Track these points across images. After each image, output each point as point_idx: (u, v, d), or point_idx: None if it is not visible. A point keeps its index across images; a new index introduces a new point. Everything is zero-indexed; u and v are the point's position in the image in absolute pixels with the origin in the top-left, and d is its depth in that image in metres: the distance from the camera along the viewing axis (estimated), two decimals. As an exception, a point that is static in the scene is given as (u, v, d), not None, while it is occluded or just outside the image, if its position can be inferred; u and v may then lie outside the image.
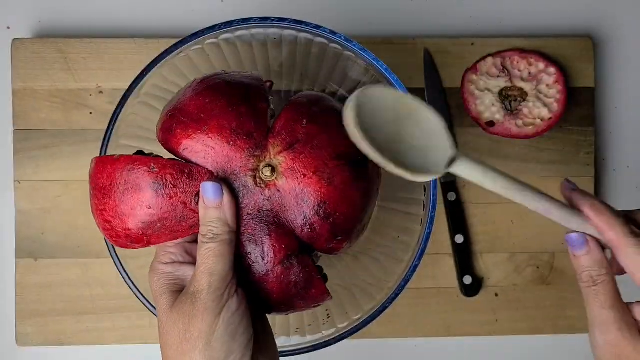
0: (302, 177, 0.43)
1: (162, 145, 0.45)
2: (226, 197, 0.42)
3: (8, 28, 0.67)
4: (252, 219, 0.43)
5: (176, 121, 0.44)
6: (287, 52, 0.55)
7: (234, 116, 0.43)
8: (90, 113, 0.65)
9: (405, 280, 0.50)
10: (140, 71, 0.49)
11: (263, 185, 0.43)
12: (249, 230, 0.43)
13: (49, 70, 0.65)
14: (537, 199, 0.42)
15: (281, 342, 0.52)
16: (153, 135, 0.53)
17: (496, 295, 0.68)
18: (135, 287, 0.50)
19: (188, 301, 0.40)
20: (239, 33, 0.51)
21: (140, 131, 0.52)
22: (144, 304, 0.50)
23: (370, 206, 0.47)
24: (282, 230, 0.43)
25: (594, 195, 0.43)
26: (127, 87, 0.49)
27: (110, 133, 0.50)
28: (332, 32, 0.49)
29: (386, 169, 0.40)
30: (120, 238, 0.44)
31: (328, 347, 0.51)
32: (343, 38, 0.49)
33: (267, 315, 0.47)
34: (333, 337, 0.51)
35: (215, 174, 0.43)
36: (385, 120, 0.40)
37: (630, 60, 0.70)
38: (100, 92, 0.65)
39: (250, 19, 0.49)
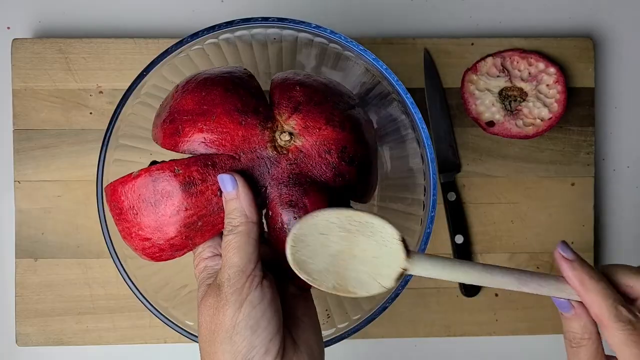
0: (318, 130, 0.45)
1: (172, 150, 0.45)
2: (241, 187, 0.42)
3: (8, 28, 0.67)
4: (285, 186, 0.44)
5: (180, 122, 0.44)
6: (287, 52, 0.55)
7: (236, 98, 0.44)
8: (91, 113, 0.65)
9: (406, 280, 0.50)
10: (140, 71, 0.49)
11: (285, 151, 0.44)
12: (287, 198, 0.44)
13: (49, 70, 0.65)
14: (508, 278, 0.41)
15: (281, 342, 0.52)
16: (153, 135, 0.53)
17: (496, 295, 0.68)
18: (135, 287, 0.50)
19: (213, 293, 0.41)
20: (239, 33, 0.51)
21: (140, 131, 0.52)
22: (144, 304, 0.50)
23: (374, 146, 0.49)
24: (316, 186, 0.44)
25: (582, 264, 0.41)
26: (127, 87, 0.49)
27: (110, 133, 0.50)
28: (332, 32, 0.49)
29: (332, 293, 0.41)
30: (164, 251, 0.44)
31: (328, 347, 0.51)
32: (343, 38, 0.49)
33: None
34: (333, 337, 0.51)
35: (237, 157, 0.43)
36: (334, 240, 0.41)
37: (631, 60, 0.70)
38: (100, 92, 0.65)
39: (251, 19, 0.49)
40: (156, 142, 0.46)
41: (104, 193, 0.46)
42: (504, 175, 0.68)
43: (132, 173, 0.44)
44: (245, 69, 0.48)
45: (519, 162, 0.68)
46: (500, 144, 0.67)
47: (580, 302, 0.41)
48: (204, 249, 0.45)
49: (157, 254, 0.44)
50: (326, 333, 0.52)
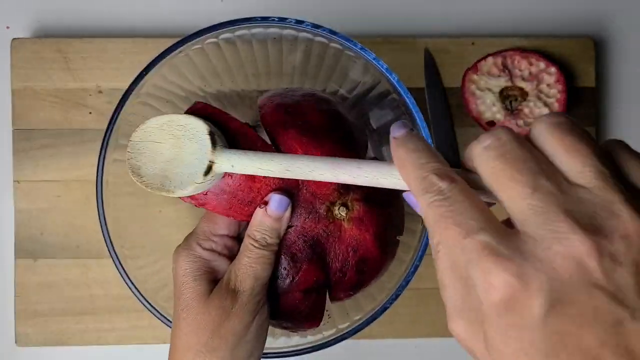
0: (365, 232, 0.45)
1: (267, 129, 0.46)
2: (288, 213, 0.43)
3: (7, 28, 0.67)
4: (304, 241, 0.44)
5: (293, 121, 0.45)
6: (287, 52, 0.55)
7: (343, 151, 0.45)
8: (90, 113, 0.65)
9: (406, 281, 0.50)
10: (140, 71, 0.49)
11: (331, 219, 0.45)
12: (294, 249, 0.44)
13: (48, 70, 0.65)
14: (324, 167, 0.36)
15: (281, 342, 0.52)
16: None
17: (497, 295, 0.67)
18: (135, 287, 0.50)
19: (228, 297, 0.41)
20: (239, 33, 0.51)
21: (140, 131, 0.52)
22: (143, 305, 0.50)
23: (378, 278, 0.50)
24: (321, 264, 0.45)
25: (407, 137, 0.31)
26: (126, 87, 0.49)
27: (110, 133, 0.49)
28: (332, 32, 0.49)
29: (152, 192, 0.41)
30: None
31: (328, 348, 0.51)
32: (343, 37, 0.49)
33: None
34: (333, 337, 0.51)
35: (300, 188, 0.44)
36: (168, 146, 0.42)
37: (631, 59, 0.70)
38: (100, 91, 0.65)
39: (251, 18, 0.49)
40: (259, 107, 0.47)
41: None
42: (505, 175, 0.67)
43: (245, 121, 0.45)
44: (366, 142, 0.49)
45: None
46: (501, 144, 0.67)
47: None
48: (207, 240, 0.44)
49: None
50: (327, 333, 0.52)
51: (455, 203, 0.28)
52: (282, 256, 0.45)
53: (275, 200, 0.43)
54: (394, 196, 0.49)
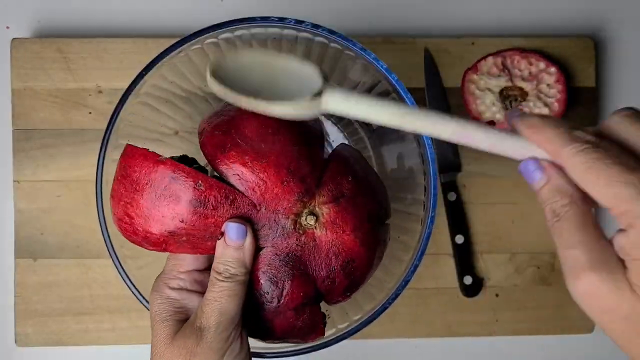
0: (341, 232, 0.44)
1: (207, 156, 0.44)
2: (248, 240, 0.41)
3: (7, 28, 0.67)
4: (280, 260, 0.43)
5: (232, 141, 0.43)
6: (287, 52, 0.55)
7: (294, 156, 0.43)
8: (90, 113, 0.65)
9: (406, 281, 0.50)
10: (139, 71, 0.49)
11: (301, 231, 0.43)
12: (272, 271, 0.43)
13: (48, 70, 0.65)
14: (445, 121, 0.34)
15: (282, 342, 0.52)
16: (152, 135, 0.53)
17: (496, 295, 0.67)
18: (135, 287, 0.50)
19: (193, 336, 0.39)
20: (238, 33, 0.51)
21: (139, 131, 0.52)
22: (143, 305, 0.50)
23: (375, 269, 0.48)
24: (304, 278, 0.43)
25: (534, 113, 0.34)
26: (126, 87, 0.49)
27: (110, 133, 0.49)
28: (332, 32, 0.49)
29: (246, 104, 0.39)
30: (137, 236, 0.43)
31: (328, 348, 0.50)
32: (343, 37, 0.49)
33: None
34: (333, 337, 0.51)
35: (258, 209, 0.42)
36: (257, 78, 0.40)
37: (631, 59, 0.70)
38: (100, 91, 0.65)
39: (251, 18, 0.49)
40: (198, 135, 0.45)
41: (124, 148, 0.44)
42: (505, 175, 0.67)
43: (159, 156, 0.42)
44: (320, 128, 0.47)
45: (519, 162, 0.67)
46: (501, 144, 0.67)
47: (553, 164, 0.33)
48: (174, 279, 0.43)
49: (128, 233, 0.43)
50: (327, 333, 0.52)
51: (610, 149, 0.30)
52: (262, 281, 0.43)
53: (232, 229, 0.41)
54: (370, 180, 0.47)
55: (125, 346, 0.66)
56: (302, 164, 0.43)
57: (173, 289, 0.42)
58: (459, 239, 0.67)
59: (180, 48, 0.49)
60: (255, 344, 0.47)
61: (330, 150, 0.48)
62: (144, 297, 0.50)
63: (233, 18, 0.49)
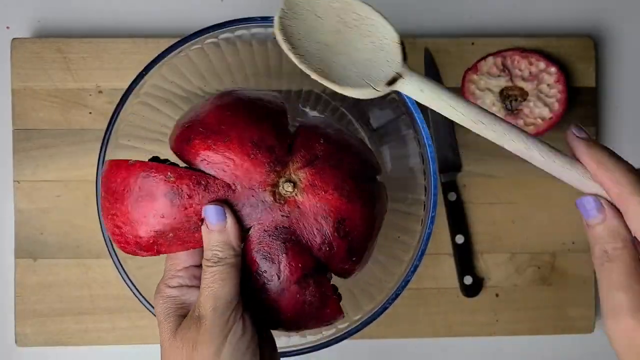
0: (323, 193, 0.43)
1: (178, 154, 0.44)
2: (229, 220, 0.41)
3: (7, 28, 0.67)
4: (269, 235, 0.42)
5: (194, 132, 0.43)
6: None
7: (256, 129, 0.43)
8: (90, 113, 0.65)
9: (406, 281, 0.50)
10: (139, 71, 0.49)
11: (282, 201, 0.42)
12: (265, 248, 0.42)
13: (48, 70, 0.65)
14: (514, 133, 0.35)
15: (281, 342, 0.52)
16: (152, 135, 0.53)
17: (497, 295, 0.67)
18: (135, 287, 0.50)
19: (192, 326, 0.39)
20: (239, 32, 0.51)
21: (139, 131, 0.52)
22: (143, 305, 0.50)
23: (378, 228, 0.47)
24: (298, 248, 0.42)
25: (601, 145, 0.35)
26: (126, 87, 0.49)
27: (110, 133, 0.49)
28: (332, 32, 0.49)
29: (312, 77, 0.37)
30: (129, 245, 0.43)
31: (328, 348, 0.50)
32: (343, 38, 0.49)
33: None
34: (333, 337, 0.51)
35: (233, 188, 0.42)
36: (328, 28, 0.37)
37: (631, 59, 0.70)
38: (100, 91, 0.65)
39: (251, 18, 0.49)
40: (169, 142, 0.45)
41: (104, 165, 0.44)
42: (505, 175, 0.67)
43: (129, 160, 0.42)
44: (282, 102, 0.46)
45: (519, 162, 0.67)
46: (501, 144, 0.67)
47: (611, 204, 0.34)
48: (172, 277, 0.43)
49: (123, 244, 0.43)
50: (326, 333, 0.52)
51: None
52: (257, 261, 0.42)
53: (210, 212, 0.41)
54: (345, 139, 0.46)
55: (125, 346, 0.66)
56: (265, 135, 0.43)
57: (173, 287, 0.43)
58: (459, 239, 0.67)
59: (180, 48, 0.49)
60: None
61: None
62: (143, 297, 0.50)
63: (233, 18, 0.49)
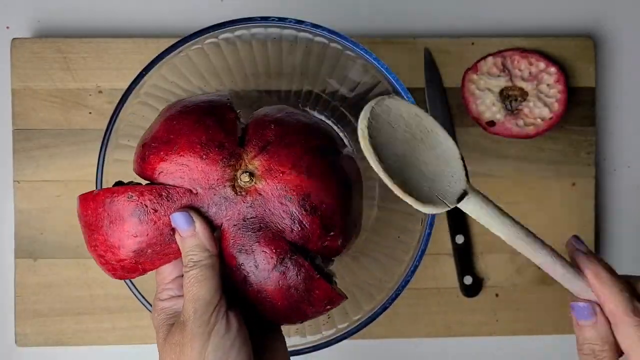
0: (281, 174, 0.43)
1: (140, 176, 0.45)
2: (198, 223, 0.42)
3: (7, 28, 0.67)
4: (239, 229, 0.43)
5: (147, 148, 0.44)
6: (287, 52, 0.55)
7: (202, 130, 0.43)
8: (90, 113, 0.65)
9: (406, 281, 0.50)
10: (139, 71, 0.49)
11: (244, 193, 0.43)
12: (238, 241, 0.43)
13: (48, 70, 0.65)
14: (544, 253, 0.40)
15: (281, 342, 0.52)
16: (152, 135, 0.53)
17: (496, 295, 0.67)
18: (135, 287, 0.50)
19: (177, 331, 0.40)
20: (238, 33, 0.51)
21: (139, 131, 0.52)
22: (143, 305, 0.50)
23: (355, 198, 0.46)
24: (270, 234, 0.43)
25: (598, 259, 0.40)
26: (126, 87, 0.49)
27: (110, 133, 0.49)
28: (332, 32, 0.49)
29: (395, 193, 0.38)
30: (117, 270, 0.44)
31: (328, 348, 0.51)
32: (343, 37, 0.49)
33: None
34: (333, 337, 0.51)
35: (195, 192, 0.43)
36: (399, 138, 0.38)
37: (631, 60, 0.70)
38: (100, 91, 0.65)
39: (251, 18, 0.49)
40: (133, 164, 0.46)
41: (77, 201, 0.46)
42: (505, 175, 0.67)
43: (94, 190, 0.44)
44: (228, 98, 0.47)
45: (519, 162, 0.68)
46: (501, 144, 0.67)
47: (602, 311, 0.39)
48: (163, 291, 0.44)
49: (112, 272, 0.44)
50: (326, 333, 0.52)
51: None
52: (235, 256, 0.43)
53: (178, 219, 0.41)
54: (298, 119, 0.46)
55: (125, 346, 0.66)
56: (212, 133, 0.43)
57: (164, 300, 0.43)
58: (459, 239, 0.67)
59: (180, 48, 0.49)
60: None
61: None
62: (143, 297, 0.50)
63: (233, 18, 0.49)
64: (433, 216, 0.50)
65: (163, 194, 0.42)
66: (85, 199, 0.44)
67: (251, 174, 0.43)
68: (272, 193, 0.43)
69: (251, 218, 0.43)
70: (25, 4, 0.67)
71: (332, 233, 0.44)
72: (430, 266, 0.67)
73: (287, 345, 0.51)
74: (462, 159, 0.39)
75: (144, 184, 0.44)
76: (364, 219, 0.61)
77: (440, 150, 0.38)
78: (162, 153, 0.43)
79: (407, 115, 0.38)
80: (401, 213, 0.56)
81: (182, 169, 0.43)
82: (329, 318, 0.53)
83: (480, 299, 0.67)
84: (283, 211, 0.43)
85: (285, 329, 0.54)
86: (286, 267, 0.42)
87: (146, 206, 0.42)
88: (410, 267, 0.50)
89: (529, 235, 0.39)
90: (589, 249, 0.41)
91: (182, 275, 0.43)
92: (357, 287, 0.55)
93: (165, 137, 0.44)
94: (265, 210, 0.43)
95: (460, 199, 0.38)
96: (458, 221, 0.67)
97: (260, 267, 0.42)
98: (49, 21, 0.67)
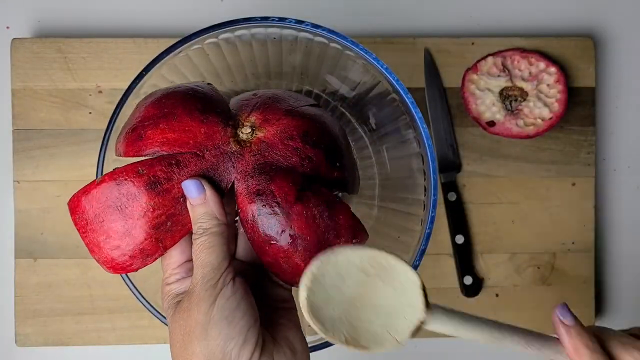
0: (277, 120, 0.45)
1: (136, 156, 0.44)
2: (208, 191, 0.42)
3: (7, 28, 0.67)
4: (252, 177, 0.43)
5: (141, 128, 0.44)
6: (287, 52, 0.55)
7: (196, 99, 0.45)
8: (90, 113, 0.65)
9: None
10: (139, 71, 0.49)
11: (248, 144, 0.44)
12: (254, 187, 0.43)
13: (48, 70, 0.65)
14: (517, 338, 0.40)
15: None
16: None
17: (497, 295, 0.67)
18: (135, 287, 0.50)
19: (186, 298, 0.41)
20: (238, 33, 0.51)
21: (139, 131, 0.52)
22: (143, 304, 0.50)
23: (345, 142, 0.49)
24: (282, 172, 0.44)
25: (579, 331, 0.42)
26: (126, 87, 0.49)
27: (110, 133, 0.49)
28: (332, 32, 0.49)
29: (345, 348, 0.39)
30: (135, 258, 0.43)
31: (328, 348, 0.50)
32: (343, 37, 0.49)
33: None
34: (333, 337, 0.51)
35: (201, 154, 0.43)
36: (351, 285, 0.38)
37: (631, 60, 0.70)
38: (100, 91, 0.65)
39: (251, 18, 0.49)
40: (119, 156, 0.46)
41: (68, 208, 0.44)
42: (505, 175, 0.67)
43: (94, 180, 0.43)
44: (208, 83, 0.48)
45: (519, 162, 0.68)
46: (501, 144, 0.67)
47: None
48: (170, 275, 0.44)
49: (128, 263, 0.43)
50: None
51: None
52: (255, 203, 0.43)
53: (188, 187, 0.42)
54: (268, 92, 0.48)
55: (125, 346, 0.66)
56: (206, 102, 0.45)
57: (172, 283, 0.44)
58: (459, 239, 0.67)
59: (180, 48, 0.49)
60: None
61: None
62: (143, 297, 0.50)
63: (233, 18, 0.49)
64: (433, 216, 0.50)
65: (172, 161, 0.43)
66: (86, 193, 0.42)
67: (252, 127, 0.45)
68: (275, 137, 0.44)
69: (261, 164, 0.44)
70: (25, 4, 0.67)
71: (338, 164, 0.46)
72: (430, 266, 0.67)
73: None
74: (423, 287, 0.38)
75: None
76: (364, 219, 0.61)
77: (398, 283, 0.39)
78: (161, 125, 0.43)
79: (361, 260, 0.38)
80: (401, 213, 0.56)
81: (185, 135, 0.43)
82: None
83: (480, 299, 0.67)
84: (289, 151, 0.44)
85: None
86: (307, 196, 0.43)
87: (158, 176, 0.42)
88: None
89: (498, 327, 0.40)
90: (574, 318, 0.42)
91: (189, 260, 0.44)
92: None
93: (159, 113, 0.44)
94: (272, 153, 0.44)
95: (415, 332, 0.38)
96: (458, 221, 0.67)
97: (282, 202, 0.43)
98: (49, 21, 0.67)
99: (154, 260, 0.44)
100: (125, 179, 0.42)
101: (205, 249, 0.41)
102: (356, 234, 0.45)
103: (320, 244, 0.43)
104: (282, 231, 0.43)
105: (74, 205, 0.43)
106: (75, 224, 0.43)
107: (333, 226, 0.44)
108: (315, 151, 0.45)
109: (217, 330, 0.39)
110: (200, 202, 0.42)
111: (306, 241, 0.43)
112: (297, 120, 0.45)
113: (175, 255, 0.44)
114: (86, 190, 0.43)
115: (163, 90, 0.47)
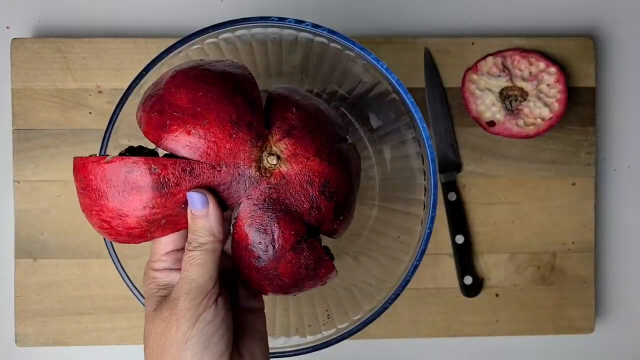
0: (306, 160, 0.44)
1: (153, 142, 0.44)
2: (212, 207, 0.42)
3: (7, 28, 0.67)
4: (259, 209, 0.43)
5: (169, 117, 0.42)
6: (287, 52, 0.55)
7: (233, 108, 0.43)
8: (90, 113, 0.65)
9: (406, 281, 0.50)
10: (139, 71, 0.49)
11: (268, 175, 0.43)
12: (257, 221, 0.43)
13: (48, 70, 0.65)
14: None
15: (281, 342, 0.52)
16: (153, 135, 0.53)
17: (496, 295, 0.67)
18: (135, 287, 0.50)
19: (167, 307, 0.41)
20: (238, 33, 0.51)
21: (139, 131, 0.52)
22: (143, 305, 0.50)
23: (357, 184, 0.48)
24: (289, 216, 0.43)
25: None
26: (126, 87, 0.49)
27: (110, 133, 0.49)
28: (332, 32, 0.49)
29: None
30: (121, 235, 0.43)
31: (328, 348, 0.51)
32: (343, 37, 0.49)
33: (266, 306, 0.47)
34: (333, 337, 0.51)
35: (218, 169, 0.42)
36: None
37: (631, 60, 0.70)
38: (100, 91, 0.65)
39: (251, 18, 0.49)
40: (139, 125, 0.45)
41: (73, 164, 0.44)
42: (505, 175, 0.67)
43: (106, 155, 0.42)
44: (249, 73, 0.46)
45: (519, 162, 0.68)
46: (501, 144, 0.67)
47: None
48: (157, 261, 0.44)
49: (114, 236, 0.44)
50: (327, 333, 0.52)
51: None
52: (250, 235, 0.43)
53: (193, 199, 0.41)
54: (314, 104, 0.47)
55: (125, 346, 0.66)
56: (242, 112, 0.43)
57: (157, 270, 0.44)
58: (459, 239, 0.67)
59: (180, 48, 0.49)
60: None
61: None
62: (143, 297, 0.50)
63: (233, 18, 0.49)
64: (433, 216, 0.50)
65: (187, 169, 0.42)
66: (95, 163, 0.42)
67: (277, 157, 0.43)
68: (296, 177, 0.44)
69: (272, 199, 0.43)
70: (25, 4, 0.67)
71: (341, 217, 0.46)
72: (430, 266, 0.67)
73: (288, 345, 0.52)
74: None
75: (158, 150, 0.44)
76: (364, 219, 0.61)
77: None
78: (189, 126, 0.42)
79: None
80: (401, 213, 0.56)
81: (210, 146, 0.42)
82: (328, 318, 0.53)
83: (481, 299, 0.67)
84: (304, 195, 0.44)
85: (285, 329, 0.54)
86: (302, 249, 0.44)
87: (168, 179, 0.41)
88: (410, 267, 0.50)
89: None
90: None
91: (179, 250, 0.44)
92: (357, 287, 0.55)
93: (191, 109, 0.42)
94: (287, 192, 0.43)
95: None
96: (458, 221, 0.67)
97: (277, 246, 0.43)
98: (49, 21, 0.67)
99: (139, 243, 0.44)
100: (136, 170, 0.41)
101: (195, 265, 0.41)
102: (329, 278, 0.47)
103: (293, 286, 0.45)
104: (265, 267, 0.44)
105: (80, 166, 0.43)
106: (75, 181, 0.44)
107: (312, 276, 0.45)
108: (328, 204, 0.44)
109: (192, 353, 0.40)
110: (201, 215, 0.42)
111: (283, 282, 0.45)
112: (324, 166, 0.44)
113: (164, 241, 0.44)
114: (96, 160, 0.42)
115: (204, 71, 0.44)
